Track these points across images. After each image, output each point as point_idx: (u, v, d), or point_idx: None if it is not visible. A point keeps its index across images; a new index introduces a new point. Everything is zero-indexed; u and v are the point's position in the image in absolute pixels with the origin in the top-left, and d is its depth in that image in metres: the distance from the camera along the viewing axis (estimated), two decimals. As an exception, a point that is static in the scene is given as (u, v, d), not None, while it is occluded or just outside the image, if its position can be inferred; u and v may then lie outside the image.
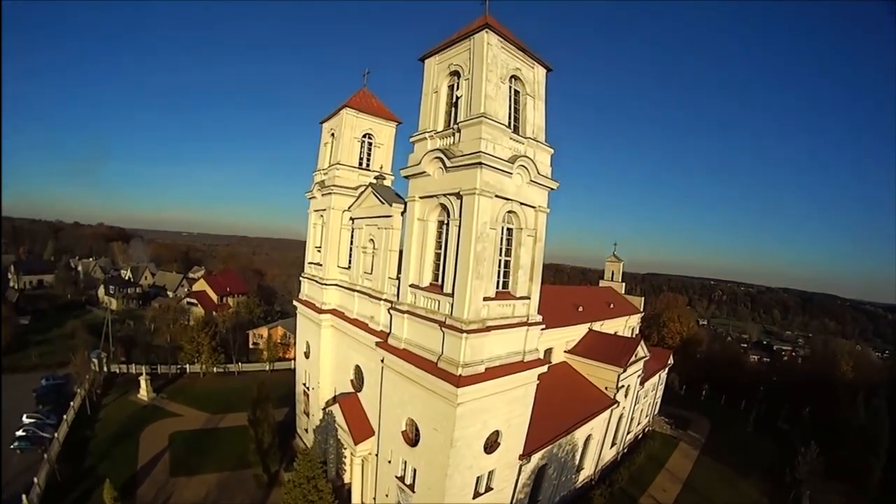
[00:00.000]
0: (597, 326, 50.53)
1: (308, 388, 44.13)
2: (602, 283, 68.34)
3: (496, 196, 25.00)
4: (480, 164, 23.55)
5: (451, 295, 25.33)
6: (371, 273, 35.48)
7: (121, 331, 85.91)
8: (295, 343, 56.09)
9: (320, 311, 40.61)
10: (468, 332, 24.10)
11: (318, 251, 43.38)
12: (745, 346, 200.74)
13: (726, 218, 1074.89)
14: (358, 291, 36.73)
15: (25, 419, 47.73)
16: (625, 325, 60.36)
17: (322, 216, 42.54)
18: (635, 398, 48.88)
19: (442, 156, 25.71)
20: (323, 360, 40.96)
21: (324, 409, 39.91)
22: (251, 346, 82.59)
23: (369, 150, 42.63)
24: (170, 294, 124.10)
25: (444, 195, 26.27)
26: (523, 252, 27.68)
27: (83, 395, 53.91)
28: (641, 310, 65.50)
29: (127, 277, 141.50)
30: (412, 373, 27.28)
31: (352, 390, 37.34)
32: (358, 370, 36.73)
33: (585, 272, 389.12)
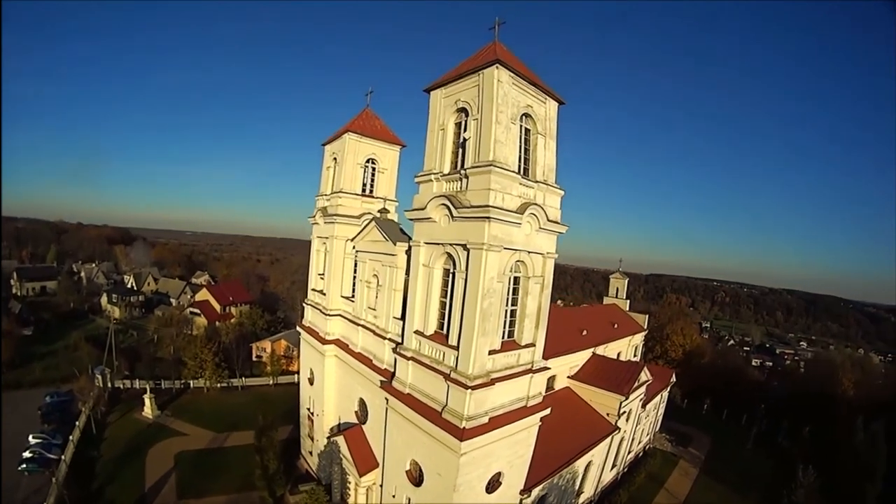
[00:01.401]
0: (601, 349, 50.40)
1: (312, 413, 44.00)
2: (606, 300, 68.31)
3: (504, 248, 24.32)
4: (489, 217, 22.85)
5: (457, 348, 24.96)
6: (375, 309, 35.03)
7: (124, 342, 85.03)
8: (298, 356, 56.05)
9: (324, 342, 40.27)
10: (473, 387, 23.84)
11: (322, 278, 43.06)
12: (748, 349, 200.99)
13: (730, 218, 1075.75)
14: (362, 326, 36.37)
15: (32, 440, 47.25)
16: (629, 345, 60.25)
17: (325, 243, 42.04)
18: (637, 420, 48.92)
19: (448, 204, 24.94)
20: (327, 388, 40.77)
21: (328, 437, 39.65)
22: (254, 359, 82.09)
23: (373, 175, 41.87)
24: (173, 301, 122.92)
25: (451, 244, 25.67)
26: (530, 300, 27.26)
27: (88, 413, 53.34)
28: (645, 327, 65.34)
29: (129, 284, 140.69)
30: (416, 418, 27.08)
31: (356, 420, 37.29)
32: (362, 403, 36.48)
33: (588, 273, 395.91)
